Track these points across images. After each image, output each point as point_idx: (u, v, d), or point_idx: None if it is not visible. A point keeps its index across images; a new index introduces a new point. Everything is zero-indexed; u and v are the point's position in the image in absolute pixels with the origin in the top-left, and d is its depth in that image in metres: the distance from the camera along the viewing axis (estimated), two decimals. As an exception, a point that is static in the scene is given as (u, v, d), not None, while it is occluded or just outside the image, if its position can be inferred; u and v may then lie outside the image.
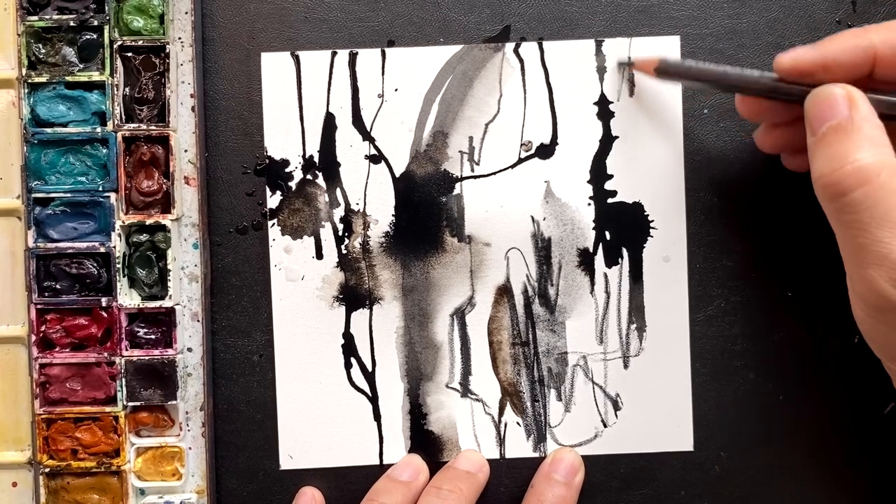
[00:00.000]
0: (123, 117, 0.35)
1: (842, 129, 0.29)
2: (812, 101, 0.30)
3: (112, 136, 0.34)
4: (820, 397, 0.36)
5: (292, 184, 0.36)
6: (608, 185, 0.36)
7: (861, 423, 0.36)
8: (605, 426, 0.37)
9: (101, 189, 0.35)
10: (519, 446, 0.37)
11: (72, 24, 0.34)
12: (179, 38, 0.35)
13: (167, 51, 0.34)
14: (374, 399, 0.36)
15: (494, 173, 0.36)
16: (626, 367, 0.36)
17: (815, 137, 0.29)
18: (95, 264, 0.35)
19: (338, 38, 0.36)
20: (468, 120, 0.36)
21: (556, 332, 0.36)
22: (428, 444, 0.37)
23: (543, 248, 0.36)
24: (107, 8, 0.34)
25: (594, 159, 0.36)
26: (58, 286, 0.35)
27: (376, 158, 0.36)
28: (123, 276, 0.35)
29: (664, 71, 0.34)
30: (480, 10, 0.36)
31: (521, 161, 0.36)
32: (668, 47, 0.36)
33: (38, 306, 0.35)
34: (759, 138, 0.35)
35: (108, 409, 0.35)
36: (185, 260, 0.35)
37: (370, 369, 0.36)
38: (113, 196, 0.35)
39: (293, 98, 0.36)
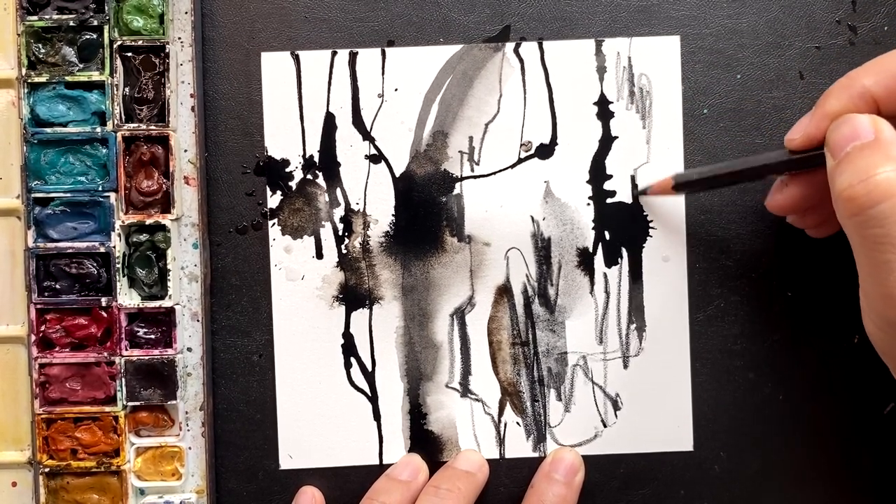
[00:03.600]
0: (123, 117, 0.35)
1: (867, 147, 0.28)
2: (836, 128, 0.29)
3: (112, 136, 0.34)
4: (820, 397, 0.36)
5: (292, 183, 0.36)
6: (607, 186, 0.36)
7: (861, 423, 0.36)
8: (604, 426, 0.36)
9: (100, 189, 0.35)
10: (519, 446, 0.37)
11: (71, 23, 0.34)
12: (179, 38, 0.35)
13: (167, 51, 0.34)
14: (373, 399, 0.36)
15: (494, 173, 0.36)
16: (625, 367, 0.36)
17: (838, 158, 0.28)
18: (95, 264, 0.35)
19: (338, 38, 0.36)
20: (468, 120, 0.36)
21: (555, 332, 0.36)
22: (427, 444, 0.37)
23: (543, 248, 0.36)
24: (106, 8, 0.34)
25: (594, 159, 0.36)
26: (57, 286, 0.35)
27: (376, 158, 0.36)
28: (123, 276, 0.35)
29: (681, 185, 0.34)
30: (480, 10, 0.36)
31: (520, 161, 0.36)
32: (667, 47, 0.36)
33: (38, 306, 0.35)
34: (794, 221, 0.35)
35: (107, 408, 0.35)
36: (184, 260, 0.35)
37: (370, 369, 0.36)
38: (113, 196, 0.35)
39: (293, 98, 0.36)
